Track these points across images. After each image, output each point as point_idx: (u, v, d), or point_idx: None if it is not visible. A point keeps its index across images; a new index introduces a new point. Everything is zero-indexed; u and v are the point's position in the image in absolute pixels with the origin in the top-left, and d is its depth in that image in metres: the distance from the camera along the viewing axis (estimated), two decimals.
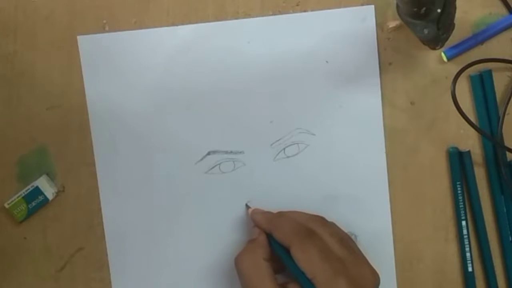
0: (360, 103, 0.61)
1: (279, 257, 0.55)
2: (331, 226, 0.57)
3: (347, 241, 0.56)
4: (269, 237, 0.57)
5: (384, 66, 0.61)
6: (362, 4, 0.60)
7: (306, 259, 0.53)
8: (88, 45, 0.60)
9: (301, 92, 0.61)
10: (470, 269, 0.61)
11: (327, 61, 0.60)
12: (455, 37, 0.59)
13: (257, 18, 0.60)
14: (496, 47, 0.61)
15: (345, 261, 0.54)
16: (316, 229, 0.56)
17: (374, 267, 0.55)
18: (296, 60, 0.60)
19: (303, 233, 0.55)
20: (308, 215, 0.58)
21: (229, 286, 0.61)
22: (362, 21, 0.60)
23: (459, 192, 0.60)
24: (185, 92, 0.61)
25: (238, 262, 0.56)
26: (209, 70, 0.60)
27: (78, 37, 0.60)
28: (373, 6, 0.60)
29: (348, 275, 0.53)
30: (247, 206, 0.61)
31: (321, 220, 0.58)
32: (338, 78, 0.60)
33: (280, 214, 0.58)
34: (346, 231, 0.58)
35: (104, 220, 0.61)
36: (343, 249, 0.55)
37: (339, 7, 0.60)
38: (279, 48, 0.60)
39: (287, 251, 0.55)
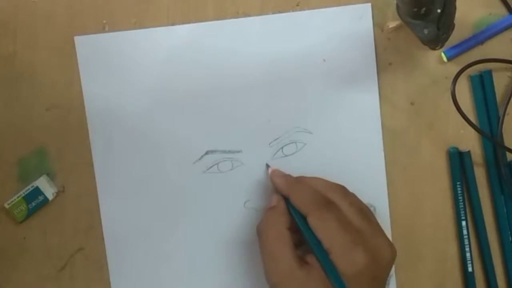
0: (358, 101, 0.61)
1: (296, 224, 0.55)
2: (351, 196, 0.56)
3: (366, 212, 0.56)
4: (287, 201, 0.56)
5: (384, 66, 0.61)
6: (361, 4, 0.60)
7: (324, 228, 0.53)
8: (85, 45, 0.60)
9: (299, 91, 0.61)
10: (470, 269, 0.61)
11: (324, 60, 0.60)
12: (455, 37, 0.59)
13: (255, 17, 0.60)
14: (496, 47, 0.61)
15: (363, 232, 0.53)
16: (336, 198, 0.55)
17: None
18: (293, 59, 0.60)
19: (321, 202, 0.54)
20: (329, 183, 0.57)
21: (228, 285, 0.61)
22: (359, 20, 0.60)
23: (459, 192, 0.60)
24: (183, 92, 0.61)
25: (261, 230, 0.55)
26: (208, 69, 0.60)
27: (75, 38, 0.60)
28: (369, 4, 0.60)
29: (365, 246, 0.52)
30: (267, 166, 0.60)
31: (342, 189, 0.57)
32: (336, 77, 0.60)
33: (300, 180, 0.58)
34: (365, 202, 0.57)
35: (102, 220, 0.61)
36: (361, 220, 0.54)
37: (338, 6, 0.60)
38: (277, 47, 0.60)
39: (304, 218, 0.54)
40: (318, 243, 0.53)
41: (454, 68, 0.59)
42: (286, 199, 0.56)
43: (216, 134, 0.61)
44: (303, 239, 0.55)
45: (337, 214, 0.54)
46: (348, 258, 0.52)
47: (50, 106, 0.61)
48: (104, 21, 0.61)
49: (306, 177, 0.58)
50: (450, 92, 0.58)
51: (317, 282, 0.52)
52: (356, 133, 0.61)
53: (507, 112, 0.61)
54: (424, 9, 0.53)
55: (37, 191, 0.60)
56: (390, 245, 0.55)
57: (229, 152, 0.61)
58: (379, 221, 0.56)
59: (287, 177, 0.58)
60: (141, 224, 0.61)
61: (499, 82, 0.61)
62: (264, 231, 0.55)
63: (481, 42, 0.61)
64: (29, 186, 0.60)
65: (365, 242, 0.53)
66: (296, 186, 0.57)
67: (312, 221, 0.53)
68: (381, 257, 0.53)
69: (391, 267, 0.55)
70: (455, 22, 0.57)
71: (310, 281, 0.52)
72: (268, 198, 0.59)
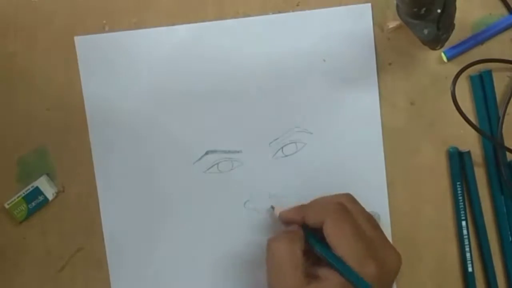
0: (358, 101, 0.61)
1: (312, 246, 0.54)
2: (358, 205, 0.56)
3: (373, 221, 0.56)
4: (304, 229, 0.55)
5: (384, 66, 0.61)
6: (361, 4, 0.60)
7: (339, 234, 0.52)
8: (86, 45, 0.60)
9: (299, 91, 0.61)
10: (470, 269, 0.61)
11: (324, 60, 0.60)
12: (455, 37, 0.59)
13: (255, 17, 0.60)
14: (496, 47, 0.61)
15: (374, 242, 0.53)
16: (347, 205, 0.55)
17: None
18: (293, 59, 0.60)
19: (336, 207, 0.54)
20: (336, 194, 0.57)
21: (228, 285, 0.61)
22: (359, 19, 0.60)
23: (459, 192, 0.60)
24: (183, 92, 0.61)
25: (273, 247, 0.54)
26: (208, 69, 0.60)
27: (75, 38, 0.60)
28: (370, 4, 0.60)
29: (377, 258, 0.52)
30: (272, 208, 0.60)
31: (350, 197, 0.57)
32: (336, 77, 0.60)
33: (308, 203, 0.57)
34: (369, 210, 0.57)
35: (102, 220, 0.61)
36: (372, 229, 0.54)
37: (338, 6, 0.60)
38: (277, 47, 0.60)
39: (319, 235, 0.53)
40: (336, 256, 0.52)
41: (454, 68, 0.59)
42: (303, 227, 0.56)
43: (216, 134, 0.61)
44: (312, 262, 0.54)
45: (351, 221, 0.53)
46: (362, 267, 0.51)
47: (50, 106, 0.61)
48: (104, 21, 0.61)
49: (314, 199, 0.58)
50: (450, 92, 0.58)
51: None
52: (356, 133, 0.61)
53: (507, 112, 0.61)
54: (424, 9, 0.53)
55: (37, 191, 0.60)
56: (398, 256, 0.55)
57: (229, 152, 0.61)
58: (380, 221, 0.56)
59: (293, 207, 0.58)
60: (141, 224, 0.61)
61: (499, 82, 0.61)
62: (277, 246, 0.54)
63: (481, 42, 0.61)
64: (29, 186, 0.60)
65: (376, 253, 0.53)
66: (305, 206, 0.57)
67: (328, 227, 0.53)
68: (389, 266, 0.53)
69: (396, 275, 0.55)
70: (455, 22, 0.57)
71: None
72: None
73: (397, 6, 0.56)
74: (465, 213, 0.61)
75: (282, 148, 0.61)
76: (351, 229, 0.53)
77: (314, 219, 0.54)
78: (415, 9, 0.54)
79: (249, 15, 0.61)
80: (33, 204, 0.60)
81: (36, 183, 0.60)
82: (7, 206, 0.60)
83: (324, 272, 0.53)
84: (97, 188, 0.61)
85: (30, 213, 0.60)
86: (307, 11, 0.60)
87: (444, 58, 0.60)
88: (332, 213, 0.53)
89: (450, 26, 0.57)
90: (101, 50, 0.60)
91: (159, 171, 0.61)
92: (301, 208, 0.57)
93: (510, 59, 0.60)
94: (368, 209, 0.57)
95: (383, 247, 0.54)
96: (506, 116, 0.60)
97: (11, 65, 0.61)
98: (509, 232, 0.61)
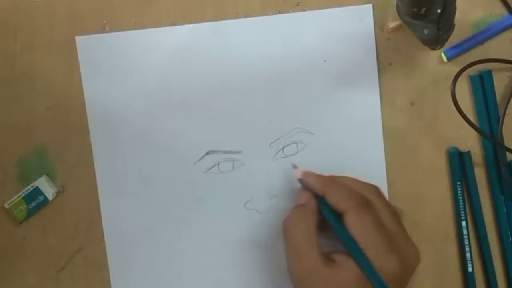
0: (359, 102, 0.61)
1: (329, 222, 0.54)
2: (384, 198, 0.56)
3: (398, 216, 0.55)
4: (319, 201, 0.55)
5: (384, 66, 0.61)
6: (362, 4, 0.60)
7: (361, 227, 0.52)
8: (87, 45, 0.60)
9: (300, 91, 0.61)
10: (470, 269, 0.61)
11: (325, 60, 0.60)
12: (455, 37, 0.59)
13: (256, 18, 0.60)
14: (496, 47, 0.61)
15: (396, 236, 0.53)
16: (371, 198, 0.54)
17: None
18: (294, 59, 0.60)
19: (359, 200, 0.53)
20: (363, 182, 0.56)
21: (228, 285, 0.61)
22: (360, 20, 0.60)
23: (459, 192, 0.60)
24: (184, 92, 0.61)
25: (289, 226, 0.54)
26: (208, 70, 0.60)
27: (76, 38, 0.60)
28: (371, 5, 0.60)
29: (399, 252, 0.52)
30: (294, 166, 0.59)
31: (376, 189, 0.56)
32: (337, 77, 0.60)
33: (334, 179, 0.56)
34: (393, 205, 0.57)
35: (103, 220, 0.61)
36: (394, 224, 0.54)
37: (339, 7, 0.60)
38: (277, 47, 0.60)
39: (339, 217, 0.53)
40: (354, 242, 0.52)
41: (454, 68, 0.59)
42: (318, 198, 0.55)
43: (217, 134, 0.61)
44: (329, 238, 0.54)
45: (374, 215, 0.53)
46: (382, 262, 0.51)
47: (50, 106, 0.61)
48: (104, 21, 0.61)
49: (339, 176, 0.57)
50: (450, 92, 0.58)
51: (344, 280, 0.51)
52: (357, 133, 0.61)
53: (507, 112, 0.61)
54: (424, 9, 0.53)
55: (37, 191, 0.60)
56: (417, 250, 0.55)
57: (230, 152, 0.61)
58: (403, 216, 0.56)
59: (322, 176, 0.57)
60: (141, 224, 0.61)
61: (499, 82, 0.61)
62: (292, 227, 0.54)
63: (481, 42, 0.61)
64: (29, 186, 0.60)
65: (398, 248, 0.53)
66: (332, 184, 0.55)
67: (350, 219, 0.52)
68: (409, 263, 0.53)
69: (414, 272, 0.55)
70: (455, 22, 0.57)
71: (336, 278, 0.52)
72: (295, 197, 0.58)
73: (397, 6, 0.56)
74: (465, 213, 0.61)
75: (283, 148, 0.61)
76: (373, 222, 0.52)
77: (336, 203, 0.54)
78: (415, 9, 0.54)
79: (249, 15, 0.61)
80: (33, 204, 0.60)
81: (36, 183, 0.60)
82: (7, 206, 0.60)
83: (341, 259, 0.53)
84: (97, 188, 0.61)
85: (30, 213, 0.60)
86: (308, 12, 0.60)
87: (444, 58, 0.60)
88: (355, 205, 0.53)
89: (450, 26, 0.57)
90: (102, 50, 0.60)
91: (159, 171, 0.61)
92: (326, 181, 0.56)
93: (510, 59, 0.60)
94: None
95: (405, 243, 0.54)
96: (506, 116, 0.60)
97: (11, 65, 0.61)
98: (509, 232, 0.61)
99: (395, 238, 0.53)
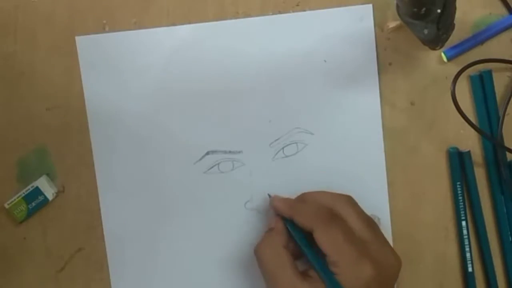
0: (359, 102, 0.61)
1: (298, 245, 0.55)
2: (357, 207, 0.56)
3: (372, 224, 0.56)
4: (288, 224, 0.56)
5: (384, 66, 0.61)
6: (362, 4, 0.60)
7: (330, 241, 0.53)
8: (87, 45, 0.60)
9: (300, 91, 0.61)
10: (470, 269, 0.61)
11: (325, 60, 0.60)
12: (455, 37, 0.59)
13: (256, 18, 0.60)
14: (496, 47, 0.61)
15: (369, 243, 0.54)
16: (342, 209, 0.55)
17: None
18: (294, 59, 0.60)
19: (326, 216, 0.54)
20: (334, 195, 0.57)
21: (228, 285, 0.61)
22: (360, 20, 0.60)
23: (459, 192, 0.60)
24: (184, 92, 0.61)
25: (258, 252, 0.56)
26: (208, 70, 0.60)
27: (76, 38, 0.60)
28: (371, 5, 0.60)
29: (372, 259, 0.52)
30: (269, 196, 0.60)
31: (349, 199, 0.57)
32: (337, 77, 0.60)
33: (302, 198, 0.58)
34: (369, 214, 0.57)
35: (103, 221, 0.61)
36: (368, 232, 0.54)
37: (339, 7, 0.60)
38: (277, 47, 0.60)
39: (308, 236, 0.54)
40: (320, 261, 0.53)
41: (454, 68, 0.59)
42: (286, 221, 0.56)
43: (216, 134, 0.61)
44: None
45: (342, 227, 0.54)
46: (355, 270, 0.52)
47: (50, 106, 0.61)
48: (104, 21, 0.61)
49: (310, 192, 0.58)
50: (450, 92, 0.58)
51: None
52: (357, 133, 0.61)
53: (507, 112, 0.61)
54: (424, 9, 0.53)
55: (37, 191, 0.60)
56: (397, 258, 0.55)
57: (230, 152, 0.61)
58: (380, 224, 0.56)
59: (288, 199, 0.58)
60: (141, 224, 0.61)
61: (499, 82, 0.61)
62: (261, 252, 0.55)
63: (481, 42, 0.61)
64: (29, 186, 0.60)
65: (371, 254, 0.53)
66: (298, 205, 0.57)
67: (318, 235, 0.53)
68: (387, 268, 0.54)
69: (397, 277, 0.55)
70: (455, 22, 0.57)
71: None
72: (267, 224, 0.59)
73: (397, 6, 0.56)
74: (465, 213, 0.61)
75: (283, 148, 0.61)
76: (343, 234, 0.53)
77: (303, 223, 0.55)
78: (415, 9, 0.54)
79: (249, 15, 0.61)
80: (33, 204, 0.60)
81: (36, 183, 0.60)
82: (7, 206, 0.60)
83: (314, 274, 0.54)
84: (97, 188, 0.61)
85: (30, 213, 0.60)
86: (308, 12, 0.60)
87: (444, 58, 0.60)
88: (321, 221, 0.54)
89: (450, 26, 0.57)
90: (102, 50, 0.60)
91: (159, 171, 0.61)
92: (293, 204, 0.57)
93: (510, 59, 0.60)
94: (368, 211, 0.57)
95: (381, 249, 0.54)
96: (506, 116, 0.60)
97: (11, 65, 0.61)
98: (509, 232, 0.61)
99: (369, 245, 0.53)
